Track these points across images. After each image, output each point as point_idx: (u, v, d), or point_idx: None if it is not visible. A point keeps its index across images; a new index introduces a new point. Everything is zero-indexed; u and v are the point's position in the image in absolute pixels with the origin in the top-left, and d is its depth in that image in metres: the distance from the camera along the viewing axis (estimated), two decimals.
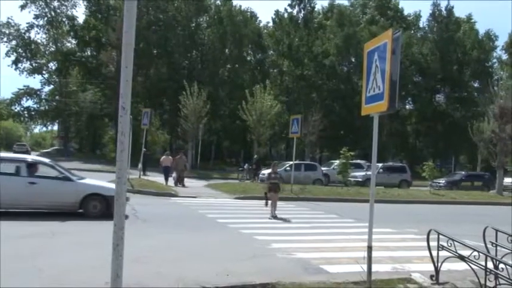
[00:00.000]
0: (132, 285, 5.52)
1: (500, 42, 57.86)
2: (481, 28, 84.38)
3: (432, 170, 27.93)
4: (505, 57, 56.23)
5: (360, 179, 28.07)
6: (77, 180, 11.89)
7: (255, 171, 27.82)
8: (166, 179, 22.25)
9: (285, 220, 12.77)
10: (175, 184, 21.79)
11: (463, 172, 34.51)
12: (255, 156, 29.31)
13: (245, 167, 30.55)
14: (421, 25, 58.57)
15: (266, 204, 13.75)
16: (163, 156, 23.99)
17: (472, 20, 55.63)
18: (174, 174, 22.42)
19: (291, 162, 25.87)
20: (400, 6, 57.10)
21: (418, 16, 58.25)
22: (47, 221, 10.51)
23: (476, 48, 53.01)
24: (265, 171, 28.24)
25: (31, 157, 13.93)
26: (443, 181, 30.70)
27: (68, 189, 11.43)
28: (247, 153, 43.85)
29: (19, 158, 12.17)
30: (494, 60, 56.98)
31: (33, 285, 5.59)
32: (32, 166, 11.57)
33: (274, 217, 12.94)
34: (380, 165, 29.28)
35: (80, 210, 11.47)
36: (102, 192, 11.64)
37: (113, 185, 12.46)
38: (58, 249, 7.83)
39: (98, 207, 11.45)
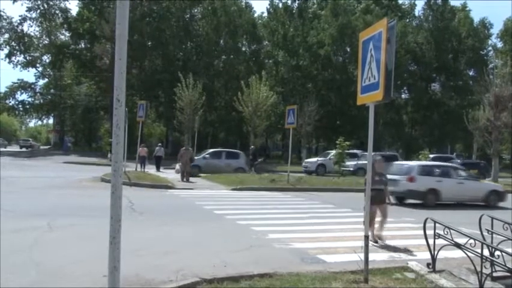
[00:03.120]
0: (129, 278, 5.53)
1: (495, 30, 57.99)
2: (476, 16, 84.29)
3: (428, 159, 28.04)
4: (500, 45, 56.33)
5: (352, 169, 27.98)
6: (481, 181, 17.71)
7: (252, 162, 27.82)
8: (142, 167, 24.98)
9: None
10: (182, 179, 21.02)
11: (459, 160, 34.56)
12: (252, 147, 29.28)
13: None
14: (416, 14, 58.59)
15: (370, 223, 8.22)
16: (140, 148, 25.79)
17: (467, 8, 55.66)
18: (177, 167, 22.14)
19: (211, 150, 26.42)
20: None
21: (413, 5, 58.27)
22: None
23: (471, 37, 53.06)
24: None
25: (454, 165, 19.70)
26: None
27: (479, 187, 16.63)
28: (244, 145, 43.83)
29: (449, 166, 18.23)
30: (490, 48, 57.11)
31: (30, 278, 5.60)
32: (455, 170, 16.86)
33: (379, 239, 8.71)
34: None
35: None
36: (498, 189, 16.86)
37: (500, 185, 18.32)
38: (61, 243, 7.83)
39: (496, 200, 16.19)
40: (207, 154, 27.03)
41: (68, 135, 59.32)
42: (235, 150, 30.09)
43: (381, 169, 9.22)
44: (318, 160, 31.74)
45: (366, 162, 28.79)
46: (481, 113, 27.58)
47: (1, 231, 7.94)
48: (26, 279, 5.56)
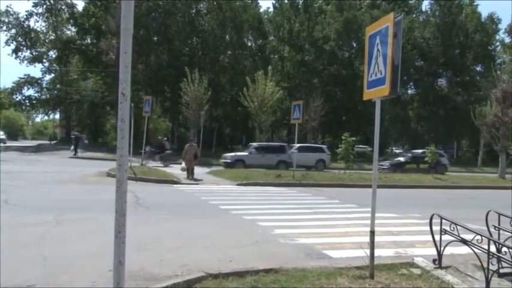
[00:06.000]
0: (135, 272, 5.55)
1: (503, 25, 57.41)
2: (484, 11, 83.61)
3: (434, 155, 27.93)
4: (508, 40, 55.79)
5: (229, 160, 27.28)
6: None
7: (158, 152, 28.74)
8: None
9: None
10: (188, 176, 20.42)
11: (409, 154, 33.97)
12: (159, 137, 29.54)
13: (147, 149, 28.15)
14: (423, 9, 58.18)
15: None
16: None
17: (475, 3, 55.05)
18: (182, 164, 21.80)
19: None
20: None
21: (420, 0, 57.74)
22: None
23: (479, 32, 52.56)
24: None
25: None
26: (387, 164, 30.57)
27: None
28: (249, 140, 43.77)
29: None
30: (497, 43, 56.52)
31: (37, 272, 5.63)
32: None
33: None
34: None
35: None
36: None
37: None
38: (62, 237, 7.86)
39: None
40: None
41: (75, 131, 59.38)
42: None
43: None
44: (236, 154, 30.25)
45: (244, 153, 29.17)
46: (488, 109, 27.43)
47: (10, 225, 8.01)
48: (33, 274, 5.59)
